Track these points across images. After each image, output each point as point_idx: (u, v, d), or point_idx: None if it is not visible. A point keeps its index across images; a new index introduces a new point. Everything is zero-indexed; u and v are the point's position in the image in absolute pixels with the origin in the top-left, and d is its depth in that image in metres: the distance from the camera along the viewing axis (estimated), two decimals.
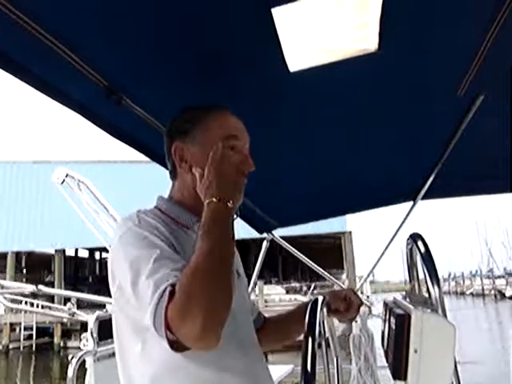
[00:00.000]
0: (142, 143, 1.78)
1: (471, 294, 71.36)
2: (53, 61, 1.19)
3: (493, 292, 62.14)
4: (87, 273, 43.38)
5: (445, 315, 1.06)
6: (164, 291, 0.97)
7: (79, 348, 3.41)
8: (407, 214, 3.07)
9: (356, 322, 3.08)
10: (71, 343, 25.19)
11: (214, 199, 1.09)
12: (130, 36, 1.23)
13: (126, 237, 1.13)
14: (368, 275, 3.55)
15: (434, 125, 2.10)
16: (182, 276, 0.98)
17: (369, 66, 1.48)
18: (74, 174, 9.15)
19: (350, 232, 29.27)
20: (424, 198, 2.93)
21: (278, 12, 1.13)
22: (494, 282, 67.72)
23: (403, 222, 3.03)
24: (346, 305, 1.52)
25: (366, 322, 3.04)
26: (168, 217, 1.26)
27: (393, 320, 1.05)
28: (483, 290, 66.37)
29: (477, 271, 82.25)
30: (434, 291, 1.09)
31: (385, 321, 1.25)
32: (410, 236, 1.28)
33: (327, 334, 1.44)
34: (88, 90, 1.34)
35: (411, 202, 3.02)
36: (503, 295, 57.74)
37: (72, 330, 25.89)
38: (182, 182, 1.32)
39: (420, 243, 1.21)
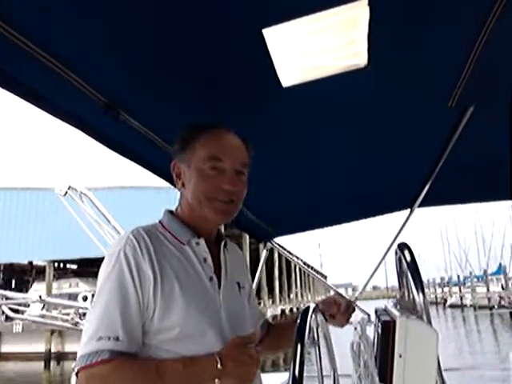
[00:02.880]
0: (142, 157, 1.82)
1: None
2: (51, 78, 1.23)
3: (442, 300, 63.61)
4: None
5: (429, 322, 1.10)
6: (98, 354, 1.13)
7: None
8: (405, 222, 3.10)
9: (355, 329, 3.09)
10: None
11: (219, 365, 1.17)
12: (127, 54, 1.27)
13: (108, 261, 1.25)
14: (365, 285, 3.57)
15: (426, 135, 2.14)
16: (125, 371, 1.16)
17: (359, 80, 1.52)
18: (77, 186, 9.27)
19: None
20: (421, 205, 2.96)
21: (268, 32, 1.18)
22: (442, 291, 69.47)
23: (400, 230, 3.06)
24: (338, 309, 1.60)
25: (365, 329, 3.05)
26: (168, 231, 1.36)
27: (380, 326, 1.09)
28: (436, 298, 67.28)
29: (434, 279, 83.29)
30: (419, 299, 1.14)
31: (375, 327, 1.29)
32: (398, 246, 1.32)
33: (322, 341, 1.47)
34: (86, 106, 1.38)
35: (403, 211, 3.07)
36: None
37: None
38: (180, 196, 1.43)
39: (406, 253, 1.25)
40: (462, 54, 1.43)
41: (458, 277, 67.23)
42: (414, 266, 1.21)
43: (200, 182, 1.33)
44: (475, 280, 58.61)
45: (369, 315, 3.13)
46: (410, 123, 2.00)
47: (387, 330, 1.04)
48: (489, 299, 45.41)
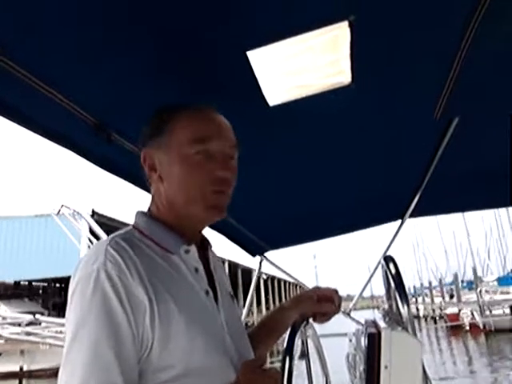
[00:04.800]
0: (135, 176, 1.84)
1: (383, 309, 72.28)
2: (42, 102, 1.25)
3: None
4: None
5: (414, 333, 1.13)
6: None
7: None
8: (396, 232, 3.14)
9: (350, 340, 3.10)
10: None
11: None
12: (116, 75, 1.30)
13: (84, 285, 0.96)
14: (359, 296, 3.60)
15: (414, 148, 2.18)
16: None
17: (345, 97, 1.56)
18: (70, 204, 9.36)
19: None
20: (412, 216, 3.01)
21: (253, 54, 1.22)
22: None
23: (392, 241, 3.10)
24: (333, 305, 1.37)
25: (360, 340, 3.06)
26: (149, 239, 1.10)
27: (366, 338, 1.12)
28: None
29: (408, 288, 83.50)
30: (404, 311, 1.17)
31: (364, 339, 1.31)
32: (384, 258, 1.35)
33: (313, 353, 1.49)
34: (78, 129, 1.41)
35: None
36: None
37: None
38: (155, 193, 1.17)
39: (391, 265, 1.28)
40: (444, 67, 1.47)
41: (414, 287, 67.15)
42: (398, 279, 1.24)
43: (187, 172, 1.09)
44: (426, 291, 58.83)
45: (363, 326, 3.13)
46: (397, 135, 2.04)
47: (373, 341, 1.06)
48: (433, 310, 45.42)
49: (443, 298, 48.07)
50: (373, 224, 3.37)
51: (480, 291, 32.09)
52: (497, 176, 2.47)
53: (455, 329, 28.85)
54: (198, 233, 1.20)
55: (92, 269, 0.96)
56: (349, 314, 3.20)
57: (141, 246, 1.06)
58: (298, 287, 78.24)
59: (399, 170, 2.44)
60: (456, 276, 44.86)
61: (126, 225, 1.18)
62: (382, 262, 1.36)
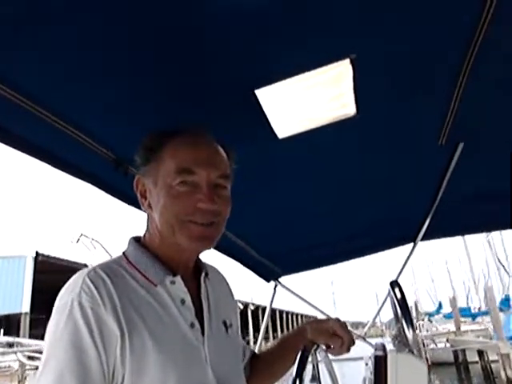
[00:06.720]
0: None
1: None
2: (64, 140, 1.34)
3: None
4: None
5: (420, 355, 1.17)
6: None
7: None
8: (408, 256, 3.17)
9: (366, 364, 3.10)
10: None
11: None
12: (133, 114, 1.38)
13: (58, 316, 0.96)
14: (373, 321, 3.60)
15: (422, 173, 2.23)
16: None
17: (351, 128, 1.63)
18: (88, 233, 9.51)
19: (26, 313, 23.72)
20: (424, 238, 3.03)
21: (261, 92, 1.29)
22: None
23: (405, 265, 3.12)
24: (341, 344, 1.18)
25: None
26: (134, 268, 1.07)
27: (373, 361, 1.16)
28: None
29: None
30: (410, 334, 1.20)
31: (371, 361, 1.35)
32: (390, 283, 1.39)
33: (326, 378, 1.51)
34: (98, 164, 1.49)
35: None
36: None
37: None
38: (148, 220, 1.15)
39: (397, 290, 1.32)
40: (446, 95, 1.52)
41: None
42: (403, 303, 1.28)
43: (170, 203, 1.05)
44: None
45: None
46: (404, 163, 2.10)
47: (379, 363, 1.10)
48: None
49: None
50: (386, 247, 3.39)
51: (419, 325, 31.79)
52: (499, 198, 2.50)
53: None
54: (188, 262, 1.16)
55: (67, 299, 0.96)
56: (364, 339, 3.21)
57: (124, 275, 1.04)
58: (299, 318, 73.03)
59: (409, 194, 2.49)
60: (416, 306, 44.41)
61: (74, 264, 1.12)
62: (388, 287, 1.40)
